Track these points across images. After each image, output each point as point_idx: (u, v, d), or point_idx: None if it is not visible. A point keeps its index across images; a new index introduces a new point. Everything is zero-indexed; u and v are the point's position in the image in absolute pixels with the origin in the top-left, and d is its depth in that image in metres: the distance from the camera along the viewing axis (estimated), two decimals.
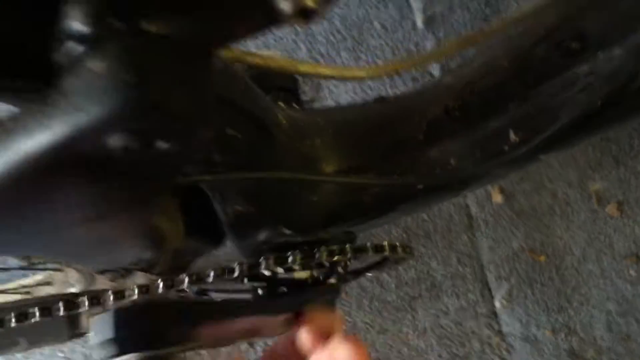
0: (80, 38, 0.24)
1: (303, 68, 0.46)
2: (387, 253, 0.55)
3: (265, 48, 1.15)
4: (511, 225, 1.12)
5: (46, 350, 1.09)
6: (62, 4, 0.23)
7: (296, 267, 0.54)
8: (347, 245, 0.53)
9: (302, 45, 1.15)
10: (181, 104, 0.24)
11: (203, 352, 1.03)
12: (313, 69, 0.46)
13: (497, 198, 1.12)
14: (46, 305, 0.46)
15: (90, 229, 0.33)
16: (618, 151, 1.12)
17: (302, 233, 0.55)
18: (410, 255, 0.58)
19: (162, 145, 0.26)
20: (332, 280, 0.56)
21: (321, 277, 0.56)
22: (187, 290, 0.54)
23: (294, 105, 0.63)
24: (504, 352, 1.11)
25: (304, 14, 0.24)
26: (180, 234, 0.53)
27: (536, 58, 0.44)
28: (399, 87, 1.13)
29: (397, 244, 0.55)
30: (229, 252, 0.55)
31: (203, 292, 0.62)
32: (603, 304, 1.11)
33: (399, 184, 0.51)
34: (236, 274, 0.50)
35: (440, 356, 1.11)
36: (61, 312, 0.45)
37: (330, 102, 1.14)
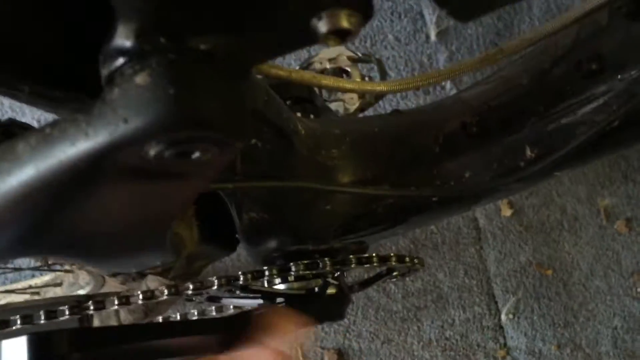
0: (129, 54, 0.25)
1: (326, 82, 0.47)
2: (393, 263, 0.55)
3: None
4: (519, 239, 1.12)
5: None
6: (113, 21, 0.24)
7: (292, 278, 0.53)
8: (351, 256, 0.53)
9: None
10: (220, 117, 0.25)
11: None
12: (335, 82, 0.47)
13: (506, 212, 1.12)
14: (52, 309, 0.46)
15: (118, 233, 0.34)
16: (627, 167, 1.12)
17: (315, 242, 0.56)
18: (418, 265, 0.58)
19: (198, 156, 0.27)
20: (331, 291, 0.56)
21: (317, 289, 0.56)
22: (194, 297, 0.55)
23: (311, 115, 0.64)
24: None
25: (340, 34, 0.25)
26: (196, 239, 0.54)
27: (555, 77, 0.45)
28: (411, 98, 1.14)
29: (405, 255, 0.55)
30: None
31: (214, 298, 0.62)
32: (609, 320, 1.11)
33: (414, 196, 0.52)
34: (240, 282, 0.49)
35: None
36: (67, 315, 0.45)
37: None
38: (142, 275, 0.65)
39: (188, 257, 0.58)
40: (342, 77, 0.70)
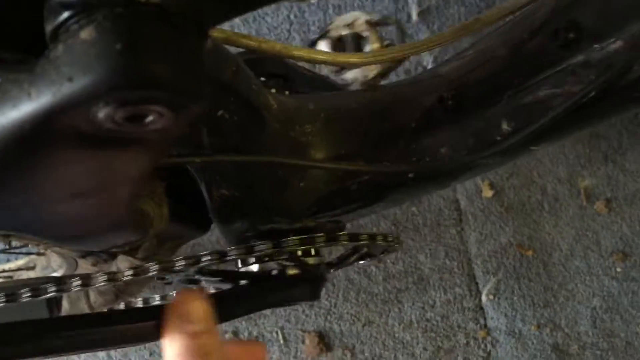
0: (71, 6, 0.23)
1: (297, 52, 0.46)
2: (364, 242, 0.53)
3: (259, 37, 1.14)
4: (500, 220, 1.12)
5: None
6: None
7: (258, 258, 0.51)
8: (319, 234, 0.51)
9: (295, 35, 1.14)
10: (171, 76, 0.23)
11: None
12: (307, 53, 0.46)
13: (487, 193, 1.12)
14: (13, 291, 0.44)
15: (75, 206, 0.32)
16: (607, 148, 1.12)
17: (289, 220, 0.54)
18: (393, 244, 0.56)
19: (150, 120, 0.25)
20: (292, 272, 0.54)
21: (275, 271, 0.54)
22: (166, 278, 0.53)
23: (286, 92, 0.62)
24: (489, 346, 1.12)
25: None
26: (165, 217, 0.52)
27: (532, 48, 0.44)
28: (392, 79, 1.13)
29: (378, 233, 0.53)
30: None
31: (193, 280, 0.61)
32: (589, 300, 1.11)
33: (389, 172, 0.51)
34: (204, 264, 0.47)
35: (425, 349, 1.11)
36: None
37: None
38: (113, 256, 0.63)
39: (158, 237, 0.56)
40: (359, 44, 0.64)
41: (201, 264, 0.45)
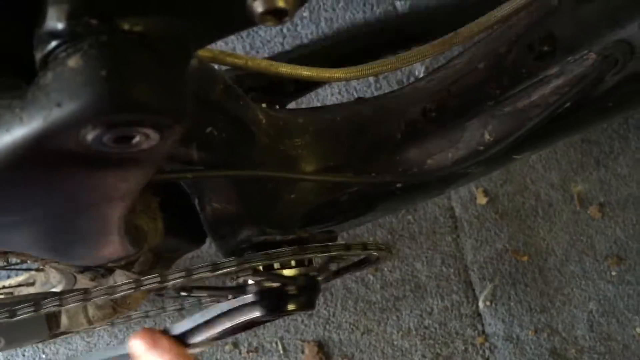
0: (59, 36, 0.25)
1: (283, 69, 0.47)
2: (336, 253, 0.53)
3: (252, 51, 1.16)
4: (495, 227, 1.13)
5: (29, 351, 1.09)
6: (43, 4, 0.24)
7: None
8: (311, 245, 0.51)
9: (289, 48, 1.16)
10: (155, 100, 0.25)
11: None
12: (292, 70, 0.47)
13: (481, 200, 1.13)
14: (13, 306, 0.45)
15: (68, 223, 0.33)
16: (599, 153, 1.13)
17: (281, 232, 0.55)
18: (384, 253, 0.57)
19: (138, 141, 0.26)
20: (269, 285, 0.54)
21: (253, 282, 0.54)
22: (163, 291, 0.54)
23: (277, 106, 0.64)
24: (487, 352, 1.12)
25: (276, 14, 0.25)
26: (160, 232, 0.53)
27: (510, 61, 0.46)
28: (385, 89, 1.14)
29: (354, 243, 0.53)
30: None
31: (186, 290, 0.62)
32: (585, 304, 1.12)
33: (376, 183, 0.52)
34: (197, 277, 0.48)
35: (424, 356, 1.12)
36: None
37: (316, 104, 1.14)
38: (110, 271, 0.64)
39: (154, 251, 0.57)
40: None
41: (194, 277, 0.46)
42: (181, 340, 0.49)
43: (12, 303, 0.47)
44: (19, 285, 0.86)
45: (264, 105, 0.62)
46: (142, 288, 0.41)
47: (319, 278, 0.54)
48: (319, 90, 1.16)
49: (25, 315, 0.42)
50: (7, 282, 0.92)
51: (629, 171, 1.13)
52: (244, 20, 0.26)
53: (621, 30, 0.41)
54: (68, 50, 0.25)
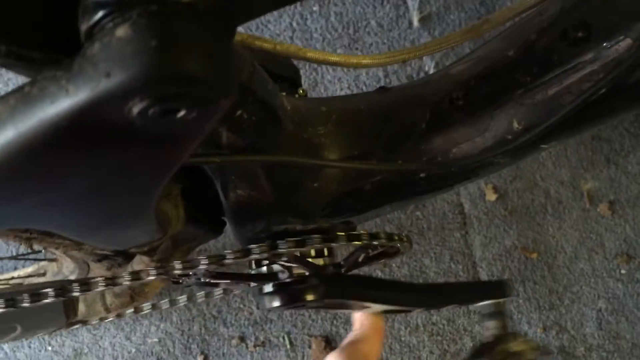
0: (106, 5, 0.24)
1: (311, 54, 0.46)
2: (383, 240, 0.54)
3: None
4: (504, 224, 1.13)
5: (35, 343, 1.08)
6: None
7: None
8: (339, 233, 0.52)
9: (298, 42, 1.15)
10: (205, 72, 0.24)
11: None
12: (321, 55, 0.47)
13: (491, 196, 1.13)
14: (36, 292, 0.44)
15: (100, 200, 0.33)
16: (609, 150, 1.13)
17: (302, 220, 0.55)
18: (407, 244, 0.57)
19: (183, 114, 0.26)
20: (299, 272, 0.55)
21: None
22: (182, 279, 0.54)
23: (296, 95, 0.63)
24: None
25: None
26: (182, 219, 0.53)
27: (541, 48, 0.45)
28: (394, 85, 1.14)
29: (379, 232, 0.54)
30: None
31: (204, 282, 0.61)
32: (594, 302, 1.12)
33: (401, 171, 0.51)
34: (228, 260, 0.48)
35: (431, 352, 1.11)
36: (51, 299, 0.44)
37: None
38: (127, 259, 0.63)
39: (174, 239, 0.57)
40: None
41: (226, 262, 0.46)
42: None
43: (31, 290, 0.47)
44: (29, 276, 0.85)
45: (284, 93, 0.62)
46: (172, 272, 0.41)
47: (343, 269, 0.54)
48: (328, 85, 1.15)
49: (48, 300, 0.42)
50: (15, 274, 0.91)
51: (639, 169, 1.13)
52: None
53: None
54: (115, 20, 0.24)
